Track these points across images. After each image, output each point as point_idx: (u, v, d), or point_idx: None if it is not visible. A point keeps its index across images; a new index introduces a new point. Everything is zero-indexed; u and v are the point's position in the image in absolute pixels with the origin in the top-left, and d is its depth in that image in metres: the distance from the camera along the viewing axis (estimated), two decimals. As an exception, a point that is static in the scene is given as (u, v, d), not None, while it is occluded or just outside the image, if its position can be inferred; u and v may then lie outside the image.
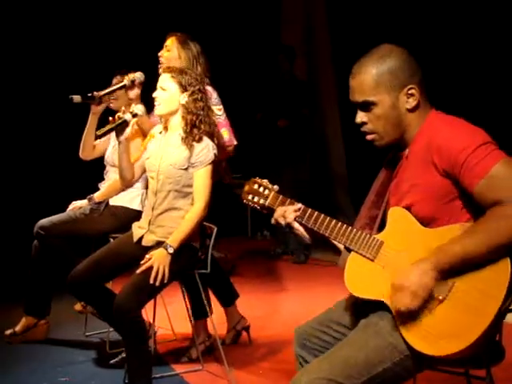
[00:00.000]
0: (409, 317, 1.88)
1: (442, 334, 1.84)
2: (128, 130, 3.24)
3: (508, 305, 1.82)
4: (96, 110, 3.96)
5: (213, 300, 3.87)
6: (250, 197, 2.30)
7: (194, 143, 3.20)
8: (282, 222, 2.20)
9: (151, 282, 2.99)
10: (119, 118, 3.22)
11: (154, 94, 3.27)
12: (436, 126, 1.97)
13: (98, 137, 3.28)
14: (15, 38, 6.20)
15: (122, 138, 3.23)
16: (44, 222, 3.84)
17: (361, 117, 2.06)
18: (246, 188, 2.32)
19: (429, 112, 2.03)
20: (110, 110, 3.99)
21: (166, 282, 3.04)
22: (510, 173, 1.80)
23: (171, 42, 3.80)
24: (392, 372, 1.93)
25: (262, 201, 2.28)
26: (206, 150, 3.21)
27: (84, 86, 4.00)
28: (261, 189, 2.29)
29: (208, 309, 3.56)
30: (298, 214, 2.17)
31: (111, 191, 3.91)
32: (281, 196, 2.25)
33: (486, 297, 1.80)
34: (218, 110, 3.70)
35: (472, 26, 5.76)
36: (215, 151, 3.25)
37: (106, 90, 3.75)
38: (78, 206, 3.96)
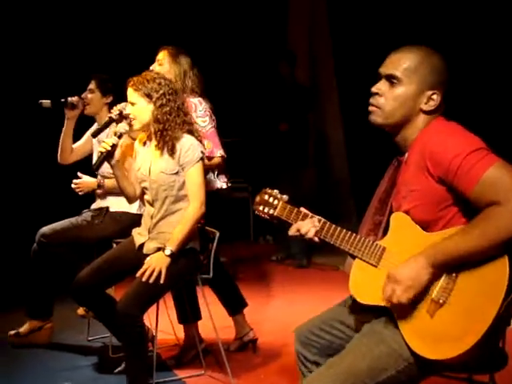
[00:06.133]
0: (403, 311, 1.91)
1: (443, 337, 1.85)
2: (117, 152, 3.25)
3: (508, 307, 1.82)
4: (71, 115, 3.98)
5: (217, 304, 3.88)
6: (260, 207, 2.32)
7: (177, 145, 3.17)
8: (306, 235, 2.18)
9: (145, 279, 3.00)
10: (106, 143, 3.19)
11: (127, 111, 3.28)
12: (431, 133, 1.98)
13: (95, 169, 3.32)
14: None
15: (113, 161, 3.23)
16: (46, 229, 3.83)
17: (378, 88, 2.06)
18: (258, 199, 2.34)
19: (433, 119, 2.04)
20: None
21: (163, 283, 3.04)
22: (504, 175, 1.82)
23: (163, 56, 3.78)
24: (396, 379, 1.94)
25: (271, 211, 2.29)
26: (191, 149, 3.18)
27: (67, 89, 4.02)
28: (270, 199, 2.31)
29: (197, 312, 3.59)
30: (318, 228, 2.15)
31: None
32: (289, 206, 2.26)
33: (485, 300, 1.81)
34: (202, 122, 3.70)
35: (475, 24, 5.78)
36: (201, 148, 3.24)
37: (100, 128, 3.74)
38: (86, 184, 3.95)
